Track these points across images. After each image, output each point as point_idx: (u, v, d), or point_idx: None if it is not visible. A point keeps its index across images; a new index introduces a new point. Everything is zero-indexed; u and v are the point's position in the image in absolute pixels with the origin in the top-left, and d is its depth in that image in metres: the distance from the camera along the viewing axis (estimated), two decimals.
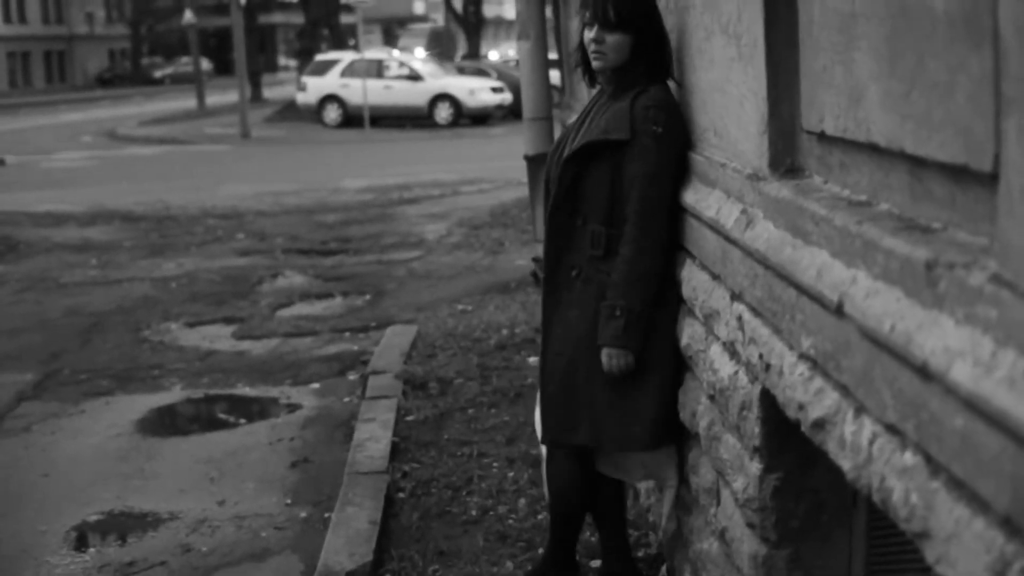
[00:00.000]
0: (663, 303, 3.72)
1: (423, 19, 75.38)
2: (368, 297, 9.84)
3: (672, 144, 3.68)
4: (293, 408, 6.74)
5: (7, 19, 64.75)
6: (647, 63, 3.75)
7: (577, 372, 3.80)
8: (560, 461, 4.03)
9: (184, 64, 63.74)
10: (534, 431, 4.36)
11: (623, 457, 3.97)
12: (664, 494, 3.99)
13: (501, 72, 33.35)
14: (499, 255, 11.34)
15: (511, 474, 5.22)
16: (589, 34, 3.78)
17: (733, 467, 3.02)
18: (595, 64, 3.82)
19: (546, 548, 4.20)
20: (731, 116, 3.16)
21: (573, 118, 4.61)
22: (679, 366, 3.73)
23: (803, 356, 2.38)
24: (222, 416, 6.80)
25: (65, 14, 70.30)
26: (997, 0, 1.57)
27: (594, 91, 4.05)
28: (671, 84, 3.82)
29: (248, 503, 5.28)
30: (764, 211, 2.77)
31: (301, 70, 36.77)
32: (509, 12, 56.29)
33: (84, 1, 70.36)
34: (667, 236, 3.70)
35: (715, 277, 3.22)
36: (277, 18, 68.98)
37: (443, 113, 30.36)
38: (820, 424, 2.24)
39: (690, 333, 3.48)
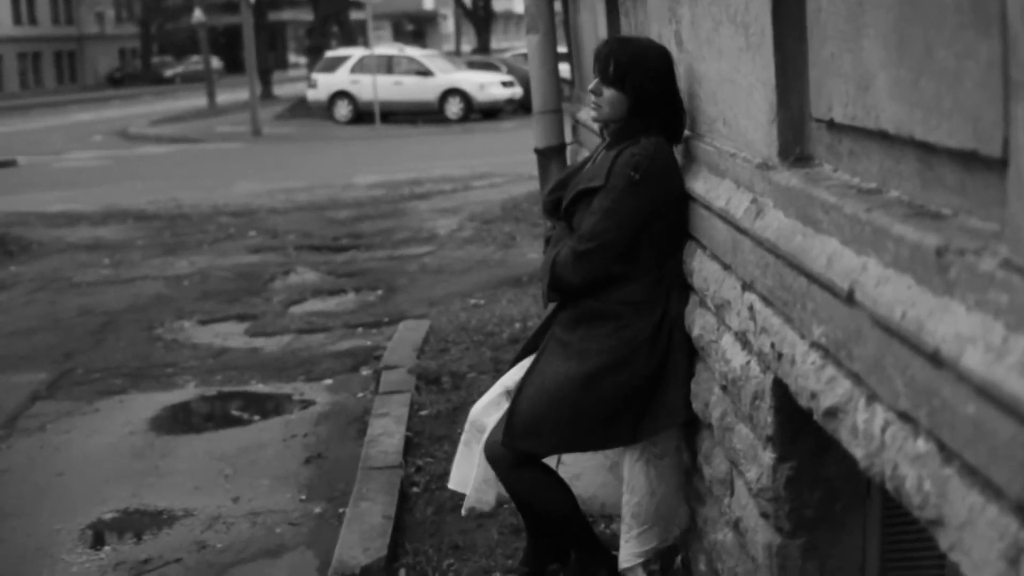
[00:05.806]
0: (602, 318, 3.72)
1: (432, 15, 75.46)
2: (380, 292, 9.84)
3: (645, 193, 3.61)
4: (306, 404, 6.75)
5: (17, 20, 64.92)
6: (647, 124, 3.69)
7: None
8: (525, 472, 3.90)
9: (194, 63, 63.95)
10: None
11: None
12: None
13: (511, 66, 33.33)
14: (511, 249, 11.34)
15: None
16: (591, 84, 3.78)
17: (746, 457, 3.01)
18: (592, 113, 3.84)
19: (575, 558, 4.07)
20: (740, 106, 3.15)
21: (584, 153, 4.60)
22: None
23: (815, 345, 2.38)
24: (236, 413, 6.81)
25: (75, 14, 70.42)
26: None
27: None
28: (678, 147, 3.81)
29: (262, 499, 5.29)
30: (774, 200, 2.76)
31: (311, 67, 36.82)
32: (519, 6, 56.30)
33: (94, 1, 70.46)
34: (590, 281, 3.70)
35: (726, 267, 3.22)
36: (287, 15, 68.95)
37: (453, 108, 30.36)
38: (833, 412, 2.24)
39: (702, 323, 3.48)
